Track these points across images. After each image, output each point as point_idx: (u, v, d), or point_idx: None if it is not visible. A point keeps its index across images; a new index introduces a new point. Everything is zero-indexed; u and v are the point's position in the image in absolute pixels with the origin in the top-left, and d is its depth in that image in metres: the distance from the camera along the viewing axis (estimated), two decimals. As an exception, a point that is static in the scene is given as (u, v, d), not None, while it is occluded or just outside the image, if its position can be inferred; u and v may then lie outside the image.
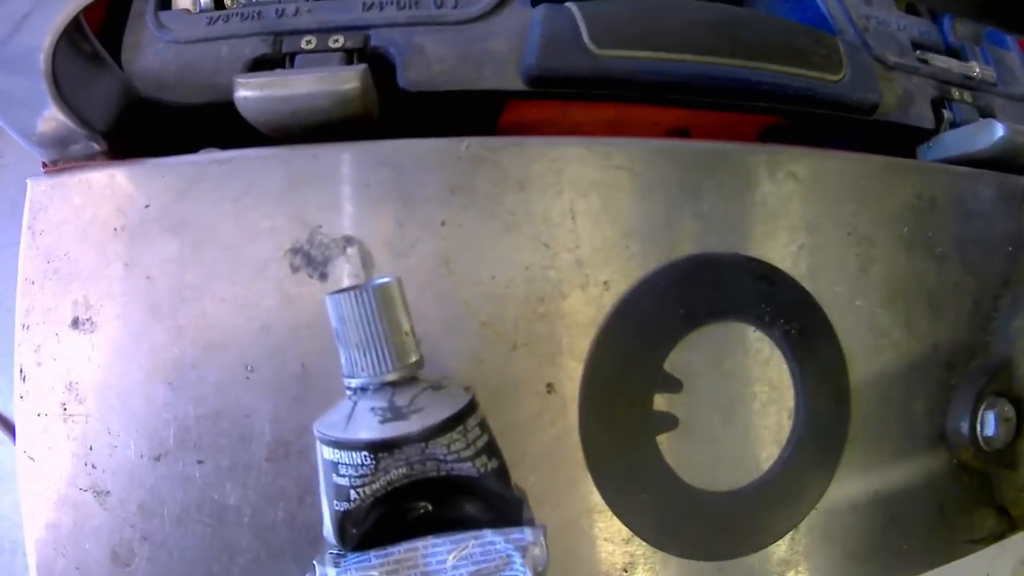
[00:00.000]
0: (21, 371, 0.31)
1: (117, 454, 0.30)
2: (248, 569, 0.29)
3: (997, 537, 0.37)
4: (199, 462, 0.29)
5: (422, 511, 0.25)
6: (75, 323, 0.30)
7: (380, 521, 0.24)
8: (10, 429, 0.48)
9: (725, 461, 0.31)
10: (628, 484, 0.28)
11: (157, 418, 0.29)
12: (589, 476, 0.29)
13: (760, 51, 0.35)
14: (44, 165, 0.33)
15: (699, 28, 0.34)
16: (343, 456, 0.23)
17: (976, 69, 0.42)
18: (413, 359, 0.25)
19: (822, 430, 0.32)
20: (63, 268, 0.31)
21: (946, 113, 0.40)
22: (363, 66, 0.30)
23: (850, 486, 0.33)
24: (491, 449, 0.24)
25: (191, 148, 0.32)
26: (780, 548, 0.32)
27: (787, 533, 0.32)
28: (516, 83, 0.33)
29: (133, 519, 0.30)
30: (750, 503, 0.31)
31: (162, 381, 0.29)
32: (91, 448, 0.30)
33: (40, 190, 0.31)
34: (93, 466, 0.30)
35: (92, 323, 0.30)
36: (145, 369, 0.30)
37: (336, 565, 0.22)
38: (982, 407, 0.35)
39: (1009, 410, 0.35)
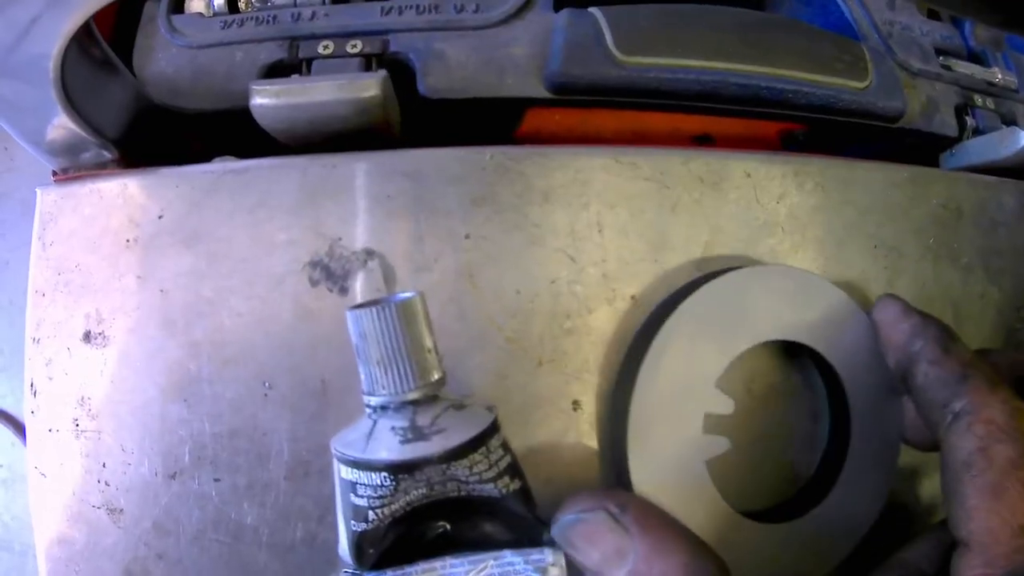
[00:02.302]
0: (32, 385, 0.30)
1: (131, 471, 0.29)
2: (266, 589, 0.28)
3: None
4: (215, 480, 0.28)
5: (441, 530, 0.24)
6: (87, 337, 0.30)
7: (398, 540, 0.23)
8: (20, 430, 0.47)
9: (775, 488, 0.30)
10: (674, 511, 0.27)
11: (172, 435, 0.29)
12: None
13: (786, 57, 0.34)
14: (54, 173, 0.32)
15: (726, 34, 0.33)
16: (362, 476, 0.22)
17: (998, 75, 0.41)
18: (435, 377, 0.24)
19: (873, 454, 0.31)
20: (74, 280, 0.30)
21: (969, 120, 0.39)
22: (383, 73, 0.29)
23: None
24: (514, 470, 0.24)
25: (205, 156, 0.32)
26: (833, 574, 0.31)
27: (837, 562, 0.31)
28: (539, 90, 0.32)
29: (147, 537, 0.29)
30: (801, 532, 0.29)
31: (177, 398, 0.29)
32: (104, 465, 0.29)
33: (50, 199, 0.31)
34: (106, 483, 0.29)
35: (104, 337, 0.30)
36: (159, 385, 0.29)
37: (351, 585, 0.22)
38: (1008, 421, 0.34)
39: (1035, 423, 0.34)
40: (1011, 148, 0.37)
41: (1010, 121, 0.41)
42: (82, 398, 0.30)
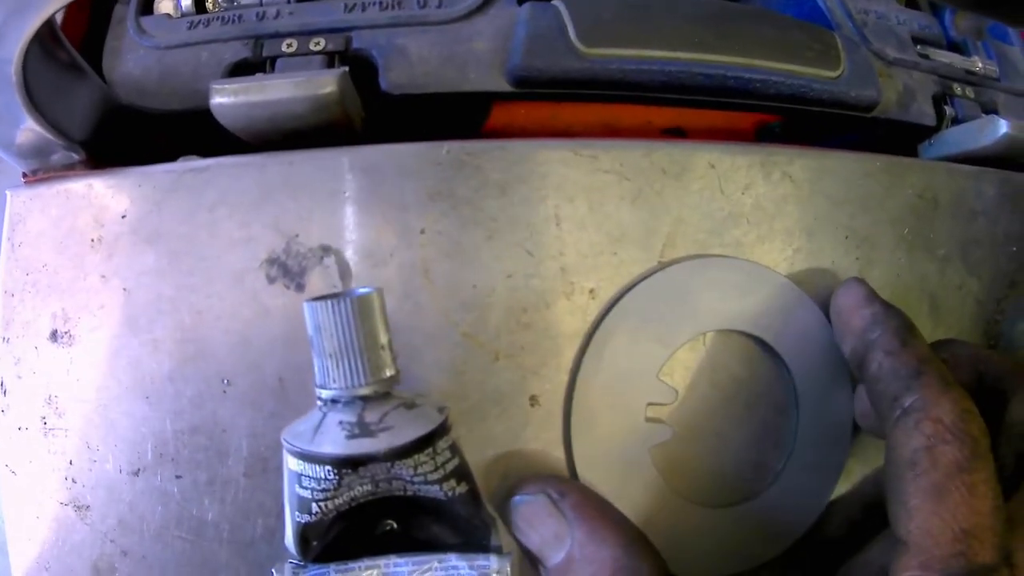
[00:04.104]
0: (2, 384, 0.30)
1: (96, 468, 0.29)
2: (228, 586, 0.28)
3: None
4: (177, 477, 0.28)
5: (388, 528, 0.24)
6: (54, 336, 0.30)
7: (343, 535, 0.23)
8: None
9: (719, 474, 0.30)
10: (617, 499, 0.27)
11: (135, 432, 0.29)
12: (576, 490, 0.28)
13: (754, 47, 0.34)
14: (24, 176, 0.33)
15: (690, 24, 0.33)
16: (307, 468, 0.22)
17: (979, 64, 0.40)
18: (388, 374, 0.24)
19: (822, 442, 0.31)
20: (41, 280, 0.30)
21: (948, 109, 0.38)
22: (342, 70, 0.29)
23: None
24: (460, 473, 0.24)
25: (173, 156, 0.32)
26: (778, 563, 0.31)
27: (785, 547, 0.31)
28: (501, 84, 0.32)
29: (113, 534, 0.29)
30: (746, 518, 0.30)
31: (140, 395, 0.29)
32: (71, 462, 0.30)
33: (19, 201, 0.31)
34: (73, 480, 0.30)
35: (71, 336, 0.30)
36: (123, 383, 0.29)
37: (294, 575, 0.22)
38: (987, 414, 0.33)
39: (1015, 417, 0.33)
40: (990, 137, 0.37)
41: (991, 110, 0.40)
42: (50, 396, 0.30)
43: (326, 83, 0.29)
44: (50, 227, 0.31)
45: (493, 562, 0.24)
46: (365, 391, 0.23)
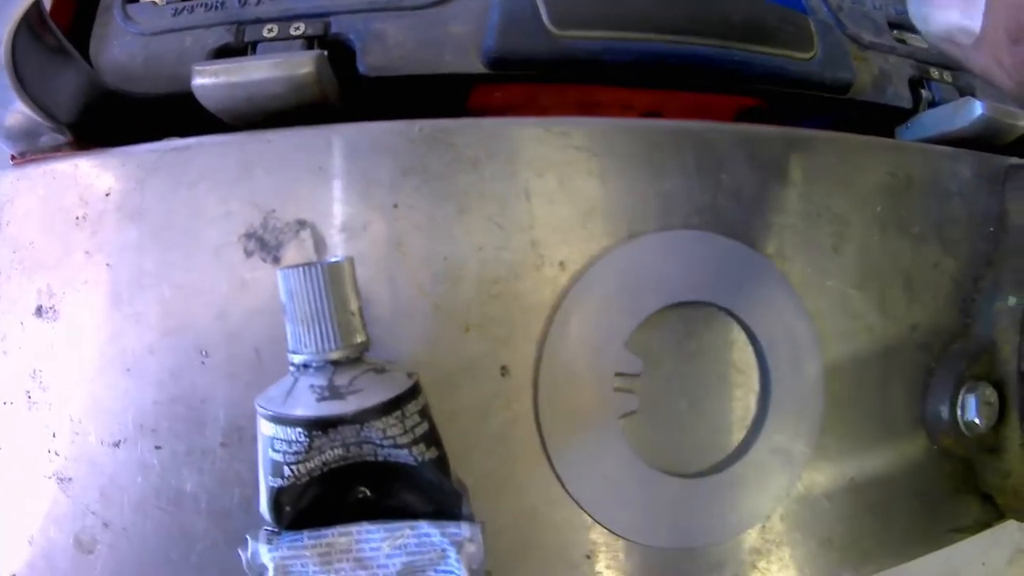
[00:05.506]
0: (-11, 361, 0.31)
1: (79, 441, 0.30)
2: (206, 556, 0.29)
3: (983, 526, 0.36)
4: (156, 448, 0.29)
5: (361, 496, 0.24)
6: (39, 311, 0.31)
7: (317, 501, 0.24)
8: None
9: (690, 445, 0.30)
10: (587, 469, 0.27)
11: (116, 404, 0.29)
12: (547, 462, 0.28)
13: (727, 29, 0.34)
14: (13, 158, 0.34)
15: (663, 7, 0.34)
16: (279, 431, 0.23)
17: (957, 47, 0.40)
18: (358, 340, 0.24)
19: (793, 415, 0.31)
20: (28, 258, 0.31)
21: (924, 93, 0.39)
22: (319, 51, 0.30)
23: (825, 473, 0.32)
24: (430, 438, 0.24)
25: (159, 139, 0.33)
26: (751, 536, 0.31)
27: (759, 521, 0.31)
28: (477, 66, 0.33)
29: (95, 506, 0.30)
30: (716, 488, 0.30)
31: (121, 368, 0.29)
32: (54, 435, 0.30)
33: (7, 182, 0.32)
34: (56, 453, 0.30)
35: (55, 311, 0.30)
36: (106, 356, 0.30)
37: (269, 542, 0.22)
38: (962, 391, 0.33)
39: (991, 394, 0.34)
40: (966, 118, 0.37)
41: (968, 94, 0.40)
42: (34, 371, 0.30)
43: (303, 64, 0.29)
44: (37, 206, 0.31)
45: (464, 530, 0.24)
46: (336, 355, 0.24)
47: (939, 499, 0.35)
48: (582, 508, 0.29)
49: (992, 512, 0.36)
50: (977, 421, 0.33)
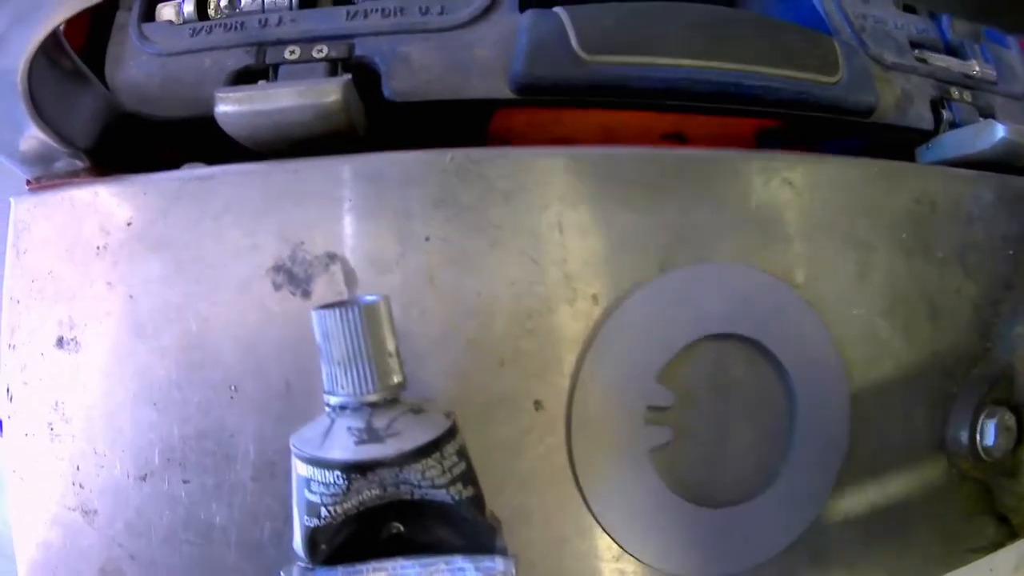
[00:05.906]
0: (8, 391, 0.31)
1: (103, 474, 0.30)
2: (236, 589, 0.29)
3: (997, 546, 0.36)
4: (185, 482, 0.29)
5: (394, 532, 0.24)
6: (60, 343, 0.30)
7: (351, 538, 0.24)
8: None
9: (719, 476, 0.30)
10: (618, 500, 0.28)
11: (142, 438, 0.29)
12: (578, 494, 0.28)
13: (753, 54, 0.34)
14: (28, 182, 0.33)
15: (691, 32, 0.33)
16: (316, 473, 0.23)
17: (976, 68, 0.41)
18: (395, 381, 0.24)
19: (819, 444, 0.31)
20: (47, 287, 0.30)
21: (945, 113, 0.39)
22: (346, 77, 0.29)
23: (848, 499, 0.33)
24: (467, 477, 0.24)
25: (177, 162, 0.32)
26: (776, 563, 0.32)
27: (783, 548, 0.31)
28: (504, 91, 0.32)
29: (121, 538, 0.30)
30: (744, 518, 0.30)
31: (147, 401, 0.29)
32: (78, 468, 0.30)
33: (24, 208, 0.31)
34: (80, 486, 0.30)
35: (77, 343, 0.30)
36: (130, 390, 0.29)
37: (302, 578, 0.22)
38: (982, 416, 0.34)
39: (1009, 419, 0.34)
40: (987, 141, 0.37)
41: (988, 114, 0.40)
42: (56, 403, 0.30)
43: (330, 91, 0.29)
44: (55, 234, 0.31)
45: (499, 564, 0.24)
46: (373, 398, 0.24)
47: (956, 521, 0.36)
48: (613, 538, 0.29)
49: (1006, 532, 0.37)
50: (995, 447, 0.34)
